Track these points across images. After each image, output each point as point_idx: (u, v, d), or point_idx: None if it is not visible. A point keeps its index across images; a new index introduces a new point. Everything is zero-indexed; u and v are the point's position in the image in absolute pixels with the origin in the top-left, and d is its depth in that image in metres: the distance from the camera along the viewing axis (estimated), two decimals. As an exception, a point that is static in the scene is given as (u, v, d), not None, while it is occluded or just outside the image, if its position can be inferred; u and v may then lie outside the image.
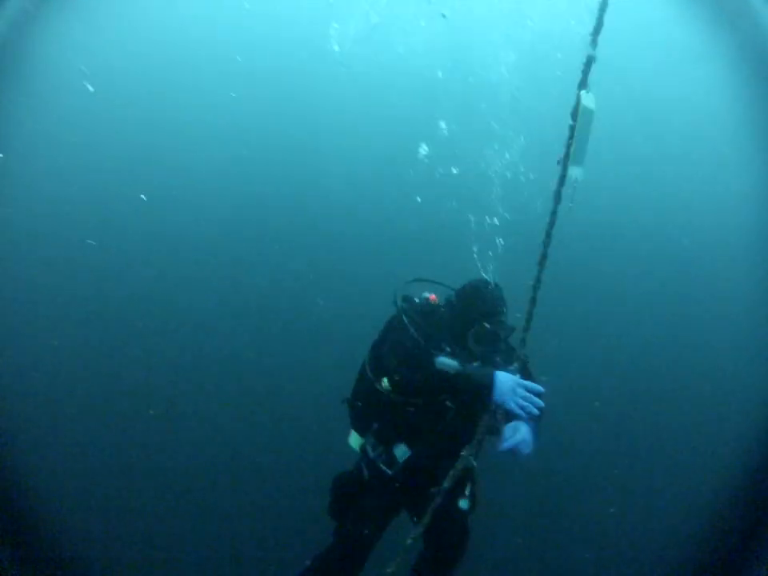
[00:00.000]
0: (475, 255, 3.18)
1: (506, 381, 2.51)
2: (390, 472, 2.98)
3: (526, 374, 2.82)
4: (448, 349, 2.81)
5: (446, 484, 2.70)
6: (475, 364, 2.80)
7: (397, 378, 2.77)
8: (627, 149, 7.48)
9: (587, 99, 3.11)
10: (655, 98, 7.32)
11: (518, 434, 2.63)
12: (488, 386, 2.51)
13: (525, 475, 6.42)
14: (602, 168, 7.49)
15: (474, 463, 2.78)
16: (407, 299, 3.11)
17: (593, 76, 2.26)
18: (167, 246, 7.22)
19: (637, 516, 6.31)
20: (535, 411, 2.51)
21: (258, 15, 7.54)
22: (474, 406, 2.71)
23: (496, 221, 3.45)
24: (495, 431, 2.70)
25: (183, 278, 7.05)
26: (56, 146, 6.99)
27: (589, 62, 2.32)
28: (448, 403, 2.91)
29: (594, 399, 6.92)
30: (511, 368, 2.63)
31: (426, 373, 2.63)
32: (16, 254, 6.70)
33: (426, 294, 3.17)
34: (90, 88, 6.80)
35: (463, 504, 2.87)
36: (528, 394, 2.51)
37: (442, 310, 3.05)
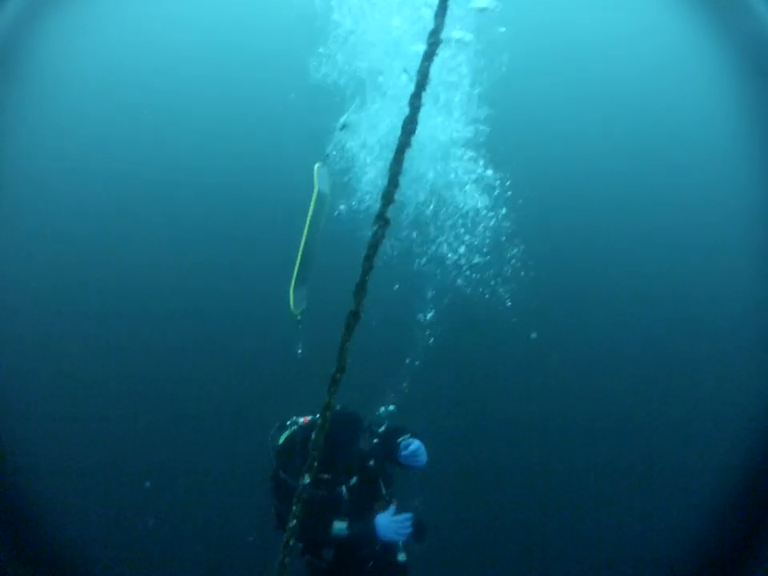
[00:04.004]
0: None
1: (383, 525, 3.19)
2: (324, 566, 3.40)
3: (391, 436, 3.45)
4: (327, 476, 3.25)
5: None
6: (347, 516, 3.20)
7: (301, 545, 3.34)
8: (626, 149, 7.48)
9: (322, 179, 3.01)
10: (655, 99, 7.33)
11: (411, 446, 3.30)
12: (373, 535, 3.18)
13: (525, 476, 6.43)
14: (602, 169, 7.50)
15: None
16: (283, 444, 3.44)
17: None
18: (166, 245, 7.23)
19: (637, 516, 6.31)
20: (408, 531, 3.18)
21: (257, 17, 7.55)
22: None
23: None
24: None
25: (181, 279, 7.06)
26: (55, 146, 6.99)
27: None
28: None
29: (592, 398, 6.93)
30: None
31: (324, 540, 3.22)
32: (16, 252, 6.70)
33: (300, 419, 3.57)
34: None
35: (401, 557, 3.40)
36: (401, 523, 3.18)
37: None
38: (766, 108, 6.26)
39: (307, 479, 1.44)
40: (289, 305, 3.11)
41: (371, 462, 3.42)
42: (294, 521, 1.43)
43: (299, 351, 3.53)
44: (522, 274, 6.09)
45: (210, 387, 6.68)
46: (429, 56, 1.32)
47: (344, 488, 3.32)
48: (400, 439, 3.44)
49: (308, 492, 1.45)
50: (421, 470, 3.42)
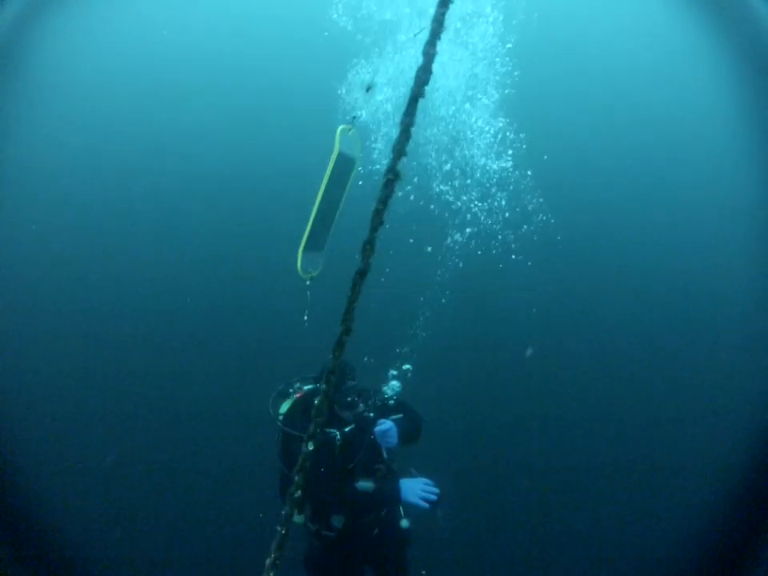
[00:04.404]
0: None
1: (407, 487, 3.31)
2: (333, 534, 3.49)
3: (397, 410, 3.47)
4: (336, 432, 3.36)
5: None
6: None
7: (312, 512, 3.45)
8: (626, 150, 7.48)
9: (347, 143, 2.84)
10: (655, 99, 7.33)
11: (383, 426, 3.29)
12: (397, 496, 3.30)
13: (526, 476, 6.42)
14: (602, 169, 7.50)
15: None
16: (284, 412, 3.52)
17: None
18: (166, 244, 7.23)
19: (637, 516, 6.31)
20: (434, 498, 3.23)
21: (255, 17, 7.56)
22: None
23: None
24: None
25: (179, 279, 7.06)
26: (55, 145, 7.00)
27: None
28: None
29: (594, 399, 6.93)
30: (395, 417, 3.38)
31: (347, 499, 3.34)
32: (15, 251, 6.71)
33: (305, 387, 3.63)
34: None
35: (404, 523, 3.48)
36: (425, 487, 3.27)
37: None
38: (765, 108, 6.26)
39: (311, 446, 1.38)
40: (300, 275, 2.99)
41: (371, 414, 3.44)
42: (298, 492, 1.37)
43: (305, 318, 3.46)
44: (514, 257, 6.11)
45: (213, 376, 6.68)
46: (445, 2, 1.21)
47: (338, 433, 3.37)
48: (382, 420, 3.47)
49: (311, 460, 1.39)
50: (392, 450, 3.49)
